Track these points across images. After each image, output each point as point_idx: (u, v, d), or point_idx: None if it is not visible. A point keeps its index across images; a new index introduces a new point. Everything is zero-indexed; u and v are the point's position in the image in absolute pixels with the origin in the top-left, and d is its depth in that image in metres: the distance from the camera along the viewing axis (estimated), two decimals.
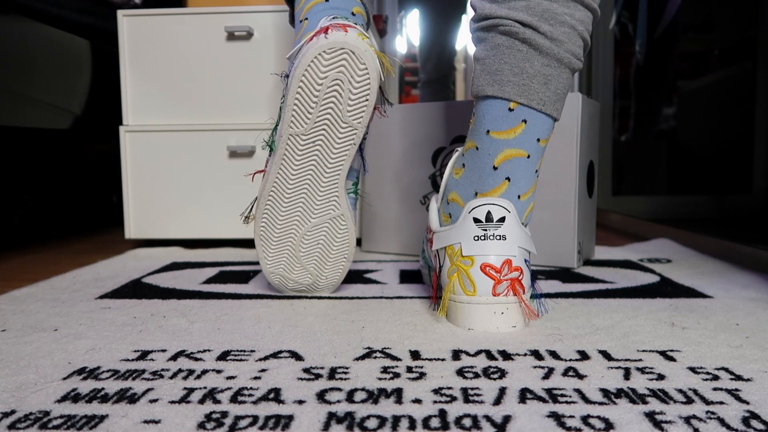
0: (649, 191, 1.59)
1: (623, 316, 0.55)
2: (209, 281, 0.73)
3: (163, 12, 1.00)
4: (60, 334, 0.51)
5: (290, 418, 0.34)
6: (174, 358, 0.44)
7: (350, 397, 0.37)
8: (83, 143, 1.30)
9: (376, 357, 0.44)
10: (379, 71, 0.55)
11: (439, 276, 0.55)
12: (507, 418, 0.33)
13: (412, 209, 0.89)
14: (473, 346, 0.46)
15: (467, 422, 0.33)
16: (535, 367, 0.42)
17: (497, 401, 0.36)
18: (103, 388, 0.38)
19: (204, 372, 0.41)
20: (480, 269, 0.50)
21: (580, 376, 0.40)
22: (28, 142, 1.14)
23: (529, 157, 0.52)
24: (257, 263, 0.85)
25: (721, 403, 0.35)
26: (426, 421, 0.33)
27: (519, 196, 0.52)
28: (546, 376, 0.40)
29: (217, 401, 0.36)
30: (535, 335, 0.49)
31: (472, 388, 0.38)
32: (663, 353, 0.44)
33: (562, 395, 0.37)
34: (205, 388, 0.38)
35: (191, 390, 0.38)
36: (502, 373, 0.40)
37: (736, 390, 0.37)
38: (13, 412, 0.35)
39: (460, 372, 0.41)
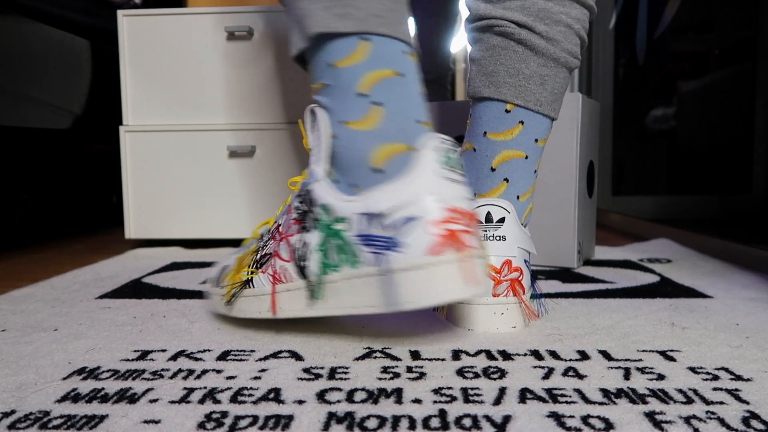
0: (649, 191, 1.59)
1: (623, 316, 0.55)
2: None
3: (163, 12, 1.00)
4: (60, 334, 0.51)
5: (290, 418, 0.34)
6: (174, 358, 0.44)
7: (350, 397, 0.37)
8: (83, 143, 1.30)
9: (376, 357, 0.44)
10: None
11: None
12: (507, 418, 0.33)
13: None
14: (473, 346, 0.46)
15: (467, 422, 0.33)
16: (535, 367, 0.42)
17: (497, 401, 0.36)
18: (103, 388, 0.38)
19: (204, 372, 0.41)
20: None
21: (580, 376, 0.40)
22: (29, 142, 1.13)
23: (527, 157, 0.52)
24: None
25: (721, 403, 0.35)
26: (426, 421, 0.33)
27: (518, 197, 0.52)
28: (546, 376, 0.40)
29: (217, 401, 0.36)
30: (535, 335, 0.49)
31: (472, 388, 0.38)
32: (663, 353, 0.44)
33: (562, 395, 0.37)
34: (205, 388, 0.38)
35: (191, 390, 0.38)
36: (502, 373, 0.40)
37: (736, 390, 0.37)
38: (13, 412, 0.35)
39: (460, 372, 0.41)
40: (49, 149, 1.20)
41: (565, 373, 0.40)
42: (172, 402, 0.36)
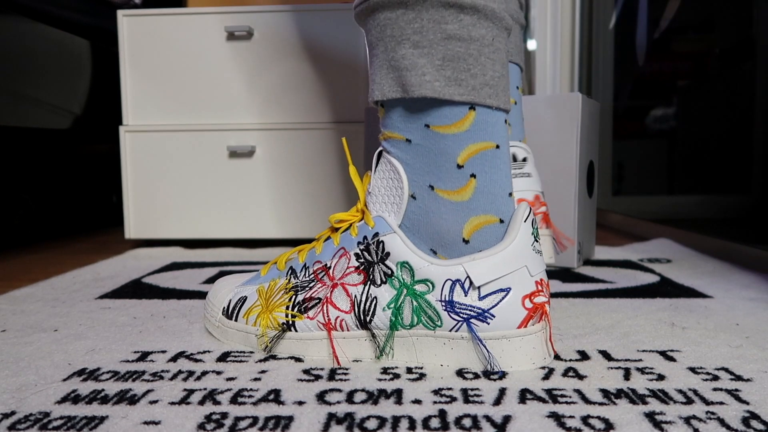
0: (649, 191, 1.59)
1: (623, 316, 0.55)
2: (209, 281, 0.73)
3: (163, 12, 1.00)
4: (60, 334, 0.51)
5: (290, 419, 0.34)
6: (174, 359, 0.44)
7: (350, 398, 0.37)
8: (83, 143, 1.30)
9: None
10: None
11: None
12: (507, 419, 0.33)
13: None
14: None
15: (467, 422, 0.33)
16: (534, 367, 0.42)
17: (497, 401, 0.36)
18: (103, 389, 0.38)
19: (204, 373, 0.41)
20: None
21: (580, 377, 0.40)
22: (29, 142, 1.14)
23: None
24: (257, 263, 0.85)
25: (721, 403, 0.35)
26: (426, 422, 0.33)
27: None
28: (546, 377, 0.40)
29: (217, 402, 0.36)
30: None
31: (472, 389, 0.38)
32: (663, 353, 0.44)
33: (562, 395, 0.37)
34: (205, 389, 0.38)
35: (191, 391, 0.38)
36: (502, 374, 0.40)
37: (736, 390, 0.37)
38: (13, 413, 0.35)
39: (460, 373, 0.41)
40: (49, 149, 1.20)
41: (565, 374, 0.40)
42: (172, 403, 0.36)
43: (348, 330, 0.44)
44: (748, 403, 0.35)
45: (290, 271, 0.47)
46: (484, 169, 0.42)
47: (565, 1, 1.60)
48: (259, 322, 0.46)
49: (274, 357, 0.44)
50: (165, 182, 1.01)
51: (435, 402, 0.36)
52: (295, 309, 0.45)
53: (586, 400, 0.36)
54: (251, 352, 0.46)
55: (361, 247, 0.44)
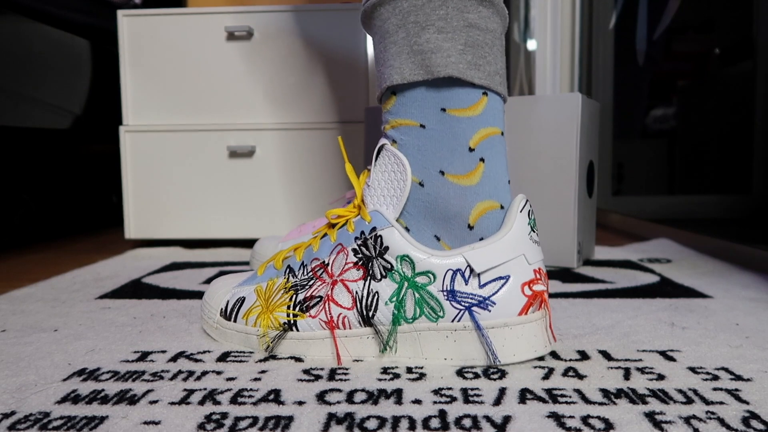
0: (649, 191, 1.59)
1: (623, 316, 0.55)
2: (209, 281, 0.73)
3: (163, 12, 1.00)
4: (60, 334, 0.51)
5: (290, 419, 0.34)
6: (174, 359, 0.44)
7: (350, 398, 0.37)
8: (83, 143, 1.30)
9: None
10: None
11: None
12: (507, 419, 0.33)
13: None
14: None
15: (467, 422, 0.33)
16: (535, 367, 0.42)
17: (497, 401, 0.36)
18: (103, 389, 0.38)
19: (204, 373, 0.41)
20: None
21: (580, 377, 0.40)
22: (28, 142, 1.14)
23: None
24: None
25: (721, 403, 0.35)
26: (426, 422, 0.33)
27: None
28: (546, 377, 0.40)
29: (217, 402, 0.36)
30: None
31: (472, 389, 0.38)
32: (663, 353, 0.44)
33: (562, 395, 0.37)
34: (205, 389, 0.38)
35: (191, 391, 0.38)
36: (502, 374, 0.40)
37: (736, 390, 0.37)
38: (13, 413, 0.35)
39: (460, 372, 0.41)
40: (49, 149, 1.20)
41: (565, 374, 0.40)
42: (172, 403, 0.36)
43: (350, 327, 0.44)
44: (748, 403, 0.35)
45: (288, 270, 0.47)
46: (492, 153, 0.43)
47: (565, 1, 1.60)
48: (260, 322, 0.46)
49: (274, 357, 0.44)
50: (165, 182, 1.01)
51: (435, 402, 0.36)
52: (297, 308, 0.45)
53: (586, 400, 0.36)
54: (251, 352, 0.46)
55: (359, 242, 0.44)
